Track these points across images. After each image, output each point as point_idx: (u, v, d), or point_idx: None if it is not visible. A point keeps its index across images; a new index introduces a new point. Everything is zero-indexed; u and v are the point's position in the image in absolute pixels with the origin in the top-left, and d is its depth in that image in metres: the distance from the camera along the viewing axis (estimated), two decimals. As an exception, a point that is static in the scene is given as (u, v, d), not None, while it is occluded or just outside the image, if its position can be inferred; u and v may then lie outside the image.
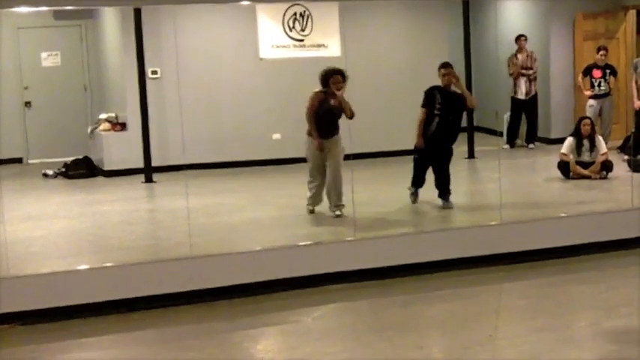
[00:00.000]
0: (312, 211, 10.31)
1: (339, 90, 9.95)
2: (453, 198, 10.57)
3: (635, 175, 11.22)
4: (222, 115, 14.77)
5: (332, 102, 10.00)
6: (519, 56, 15.54)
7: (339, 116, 10.09)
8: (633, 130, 13.64)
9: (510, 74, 15.60)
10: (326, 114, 10.02)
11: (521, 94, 15.54)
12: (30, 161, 16.23)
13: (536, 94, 15.57)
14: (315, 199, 10.31)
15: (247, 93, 14.78)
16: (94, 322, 7.40)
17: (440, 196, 10.50)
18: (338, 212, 10.08)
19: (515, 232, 8.94)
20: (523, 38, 15.52)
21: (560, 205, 10.74)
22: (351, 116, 10.02)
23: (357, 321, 7.38)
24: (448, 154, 10.55)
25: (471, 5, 14.89)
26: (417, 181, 10.63)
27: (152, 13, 13.62)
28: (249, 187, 12.93)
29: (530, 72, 15.43)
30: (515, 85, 15.57)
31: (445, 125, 10.38)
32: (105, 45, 15.75)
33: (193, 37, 14.33)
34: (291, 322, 7.40)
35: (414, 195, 10.66)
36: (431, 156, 10.46)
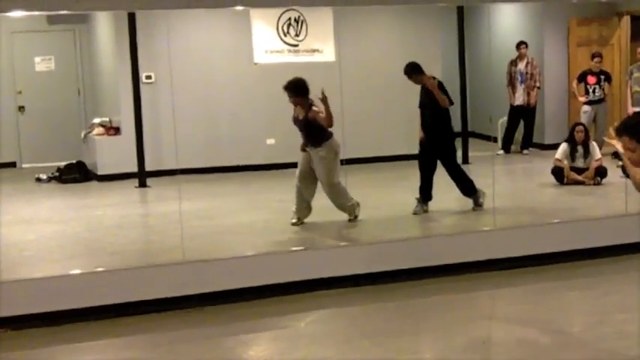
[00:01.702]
0: (295, 223, 10.00)
1: (295, 105, 9.89)
2: (447, 204, 10.59)
3: (629, 181, 11.20)
4: (216, 120, 14.76)
5: (295, 115, 9.96)
6: (519, 64, 15.54)
7: (308, 128, 9.86)
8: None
9: (507, 85, 15.61)
10: (298, 127, 10.01)
11: (520, 102, 15.55)
12: (23, 166, 16.23)
13: (535, 103, 15.56)
14: (299, 209, 10.05)
15: (241, 98, 14.77)
16: (86, 327, 7.38)
17: (463, 194, 10.54)
18: (350, 218, 10.05)
19: (508, 237, 8.92)
20: (523, 46, 15.50)
21: (554, 210, 10.73)
22: (328, 124, 9.75)
23: (349, 326, 7.36)
24: (442, 151, 10.47)
25: (465, 11, 14.89)
26: (423, 189, 10.46)
27: (146, 18, 13.60)
28: (242, 191, 12.93)
29: (532, 83, 15.40)
30: (513, 92, 15.57)
31: (425, 120, 10.41)
32: (98, 49, 15.74)
33: (187, 41, 14.32)
34: (284, 328, 7.38)
35: (419, 207, 10.40)
36: (428, 152, 10.41)
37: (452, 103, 10.45)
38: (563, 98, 15.98)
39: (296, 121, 9.97)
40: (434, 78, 10.41)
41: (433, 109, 10.28)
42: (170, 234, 9.50)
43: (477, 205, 10.39)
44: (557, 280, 8.43)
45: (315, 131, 9.85)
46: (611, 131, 6.83)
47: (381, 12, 15.11)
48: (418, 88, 10.53)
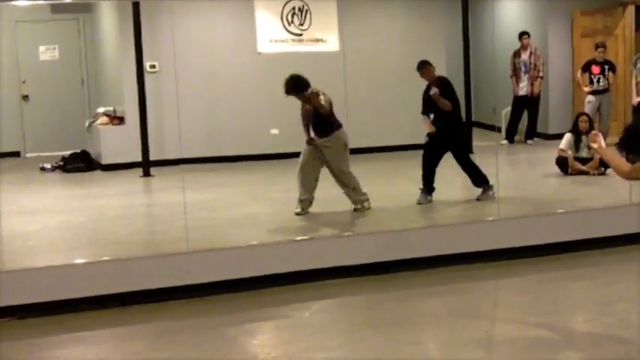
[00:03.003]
0: (299, 213, 9.98)
1: (303, 101, 9.90)
2: (450, 194, 10.61)
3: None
4: (219, 110, 14.76)
5: (306, 109, 9.96)
6: (523, 54, 15.51)
7: (318, 117, 9.89)
8: (631, 126, 13.61)
9: (510, 76, 15.59)
10: (309, 119, 10.01)
11: (523, 92, 15.52)
12: (28, 155, 16.22)
13: (539, 93, 15.54)
14: (303, 199, 10.05)
15: (245, 87, 14.76)
16: (90, 316, 7.41)
17: (475, 186, 10.55)
18: (357, 207, 10.05)
19: (512, 227, 8.93)
20: (526, 36, 15.46)
21: (558, 200, 10.71)
22: (321, 110, 9.76)
23: (353, 316, 7.38)
24: (456, 146, 10.48)
25: (469, 1, 14.87)
26: (427, 181, 10.48)
27: (150, 7, 13.60)
28: (246, 181, 12.92)
29: (535, 73, 15.37)
30: (517, 83, 15.54)
31: (437, 120, 10.41)
32: (102, 39, 15.74)
33: (191, 31, 14.31)
34: (288, 317, 7.40)
35: (423, 197, 10.39)
36: (436, 145, 10.42)
37: (453, 106, 10.45)
38: (568, 88, 15.96)
39: (307, 114, 9.98)
40: (441, 78, 10.44)
41: (442, 110, 10.33)
42: (174, 224, 9.50)
43: (483, 196, 10.36)
44: (561, 270, 8.44)
45: (325, 120, 9.89)
46: (594, 135, 6.90)
47: (385, 1, 15.09)
48: (420, 78, 10.53)
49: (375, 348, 6.48)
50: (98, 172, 14.13)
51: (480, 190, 10.43)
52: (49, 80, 16.53)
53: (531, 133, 15.57)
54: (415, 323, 7.13)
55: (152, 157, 13.48)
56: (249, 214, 10.35)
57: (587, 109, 14.22)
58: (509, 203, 9.88)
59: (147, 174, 13.34)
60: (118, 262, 7.91)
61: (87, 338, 7.10)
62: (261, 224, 9.80)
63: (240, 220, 10.08)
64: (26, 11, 15.33)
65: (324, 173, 10.09)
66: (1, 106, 15.94)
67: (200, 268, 7.90)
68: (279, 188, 11.62)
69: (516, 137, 15.62)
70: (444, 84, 10.35)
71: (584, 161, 12.12)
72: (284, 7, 14.51)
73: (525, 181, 12.44)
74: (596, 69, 14.72)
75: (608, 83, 14.77)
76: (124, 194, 12.23)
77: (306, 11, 14.63)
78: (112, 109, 14.71)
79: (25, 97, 16.48)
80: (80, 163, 14.32)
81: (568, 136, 12.32)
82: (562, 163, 12.18)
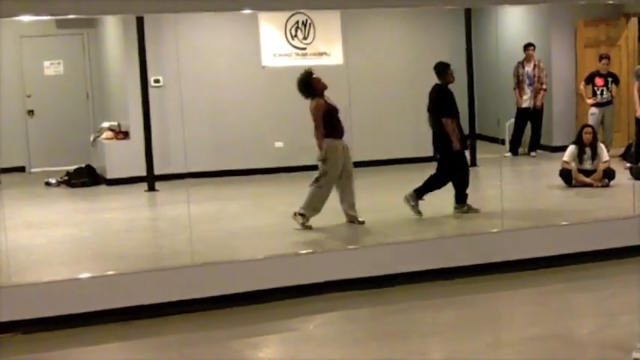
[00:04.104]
0: (307, 226, 10.04)
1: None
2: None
3: (637, 182, 11.19)
4: (224, 124, 14.78)
5: (331, 102, 10.02)
6: (526, 66, 15.51)
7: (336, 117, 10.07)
8: (635, 137, 13.63)
9: (514, 88, 15.59)
10: (335, 112, 10.02)
11: (527, 104, 15.52)
12: (32, 170, 16.26)
13: (542, 106, 15.54)
14: (308, 214, 10.10)
15: (249, 101, 14.79)
16: (95, 331, 7.40)
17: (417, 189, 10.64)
18: (360, 220, 10.07)
19: (516, 239, 8.93)
20: (531, 48, 15.44)
21: (561, 212, 10.74)
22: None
23: (358, 328, 7.38)
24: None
25: (472, 13, 14.89)
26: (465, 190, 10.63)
27: (154, 22, 13.64)
28: (251, 195, 12.94)
29: (539, 85, 15.37)
30: (520, 95, 15.54)
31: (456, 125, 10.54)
32: (107, 53, 15.79)
33: (196, 45, 14.33)
34: (292, 330, 7.41)
35: (417, 208, 10.50)
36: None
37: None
38: (571, 100, 15.96)
39: (336, 108, 10.04)
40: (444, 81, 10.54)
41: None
42: (179, 237, 9.53)
43: (408, 196, 10.44)
44: (565, 281, 8.44)
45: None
46: None
47: (388, 14, 15.11)
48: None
49: (380, 360, 6.50)
50: (103, 187, 14.15)
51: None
52: (54, 95, 16.58)
53: (535, 145, 15.57)
54: (419, 335, 7.14)
55: (157, 171, 13.51)
56: (253, 227, 10.38)
57: (591, 120, 14.23)
58: (512, 215, 9.87)
59: (151, 188, 13.36)
60: (123, 276, 7.92)
61: (93, 352, 7.11)
62: (265, 237, 9.84)
63: (244, 233, 10.11)
64: (31, 26, 15.39)
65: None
66: (6, 121, 15.99)
67: (205, 282, 7.90)
68: (284, 201, 11.62)
69: (520, 149, 15.63)
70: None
71: (587, 173, 12.12)
72: (288, 20, 14.56)
73: (529, 193, 12.44)
74: (599, 81, 14.73)
75: (612, 95, 14.78)
76: (129, 208, 12.27)
77: (310, 25, 14.67)
78: (116, 123, 14.75)
79: (30, 112, 16.53)
80: (85, 177, 14.35)
81: (571, 148, 12.33)
82: (566, 175, 12.18)
